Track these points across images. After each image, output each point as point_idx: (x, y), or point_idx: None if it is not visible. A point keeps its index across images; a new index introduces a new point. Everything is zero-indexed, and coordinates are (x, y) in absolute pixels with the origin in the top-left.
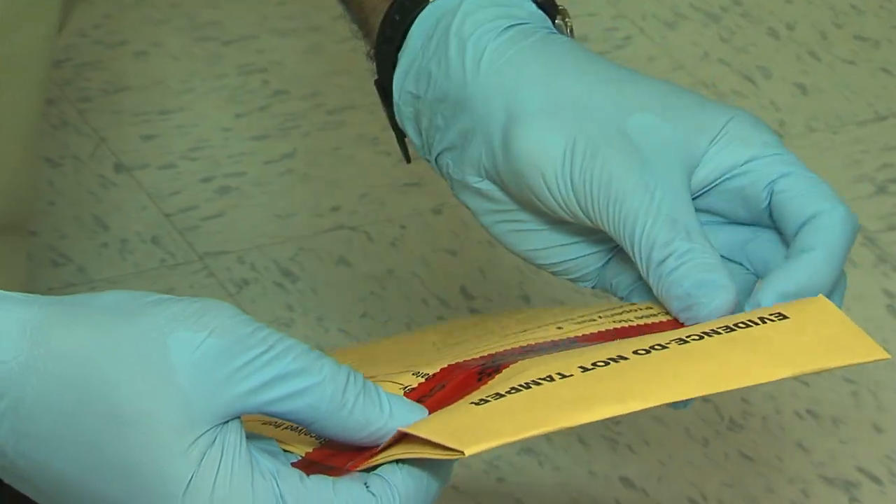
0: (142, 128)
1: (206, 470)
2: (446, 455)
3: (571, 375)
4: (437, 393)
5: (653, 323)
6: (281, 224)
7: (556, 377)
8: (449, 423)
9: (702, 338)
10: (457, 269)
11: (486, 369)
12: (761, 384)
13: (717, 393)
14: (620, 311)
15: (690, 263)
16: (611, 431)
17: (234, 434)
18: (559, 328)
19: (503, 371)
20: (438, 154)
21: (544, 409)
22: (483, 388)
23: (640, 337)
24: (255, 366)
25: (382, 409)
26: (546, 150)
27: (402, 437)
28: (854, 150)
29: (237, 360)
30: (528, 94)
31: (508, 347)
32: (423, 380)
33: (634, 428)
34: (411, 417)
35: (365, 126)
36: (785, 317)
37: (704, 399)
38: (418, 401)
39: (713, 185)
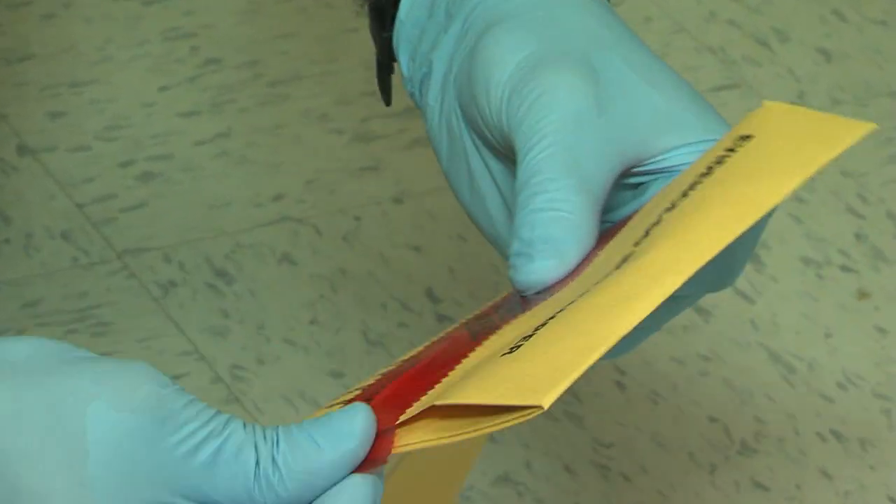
0: (49, 103)
1: None
2: (513, 420)
3: (588, 291)
4: (381, 391)
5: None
6: (214, 216)
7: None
8: (492, 379)
9: (693, 188)
10: (421, 267)
11: (477, 334)
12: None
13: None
14: None
15: (556, 214)
16: (601, 457)
17: None
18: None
19: (503, 327)
20: (424, 77)
21: (591, 325)
22: (489, 343)
23: (621, 233)
24: (183, 450)
25: (320, 449)
26: (503, 56)
27: (433, 413)
28: (887, 125)
29: (163, 444)
30: (520, 8)
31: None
32: (357, 392)
33: (629, 453)
34: (351, 429)
35: (312, 100)
36: (748, 136)
37: (712, 420)
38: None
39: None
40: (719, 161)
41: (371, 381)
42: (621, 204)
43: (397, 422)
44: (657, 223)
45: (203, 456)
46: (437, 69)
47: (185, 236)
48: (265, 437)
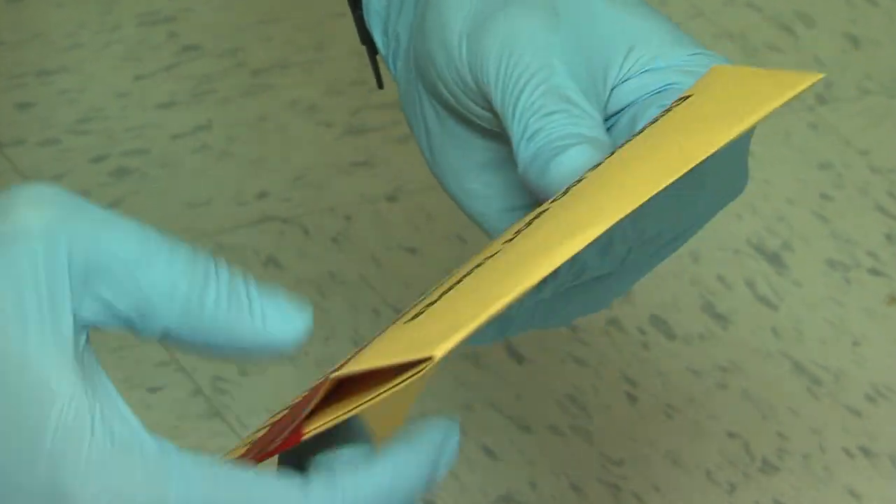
0: (16, 94)
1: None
2: (409, 378)
3: (498, 252)
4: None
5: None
6: (193, 215)
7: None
8: (391, 344)
9: (622, 147)
10: (416, 270)
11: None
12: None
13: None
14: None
15: (575, 119)
16: (611, 475)
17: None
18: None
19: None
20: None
21: (495, 282)
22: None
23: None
24: (88, 241)
25: (252, 314)
26: (459, 8)
27: (340, 386)
28: None
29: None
30: None
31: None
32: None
33: (642, 471)
34: (289, 325)
35: (299, 90)
36: (685, 98)
37: (731, 435)
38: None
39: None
40: (654, 122)
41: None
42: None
43: (302, 415)
44: (578, 181)
45: (103, 256)
46: (403, 40)
47: None
48: (218, 269)
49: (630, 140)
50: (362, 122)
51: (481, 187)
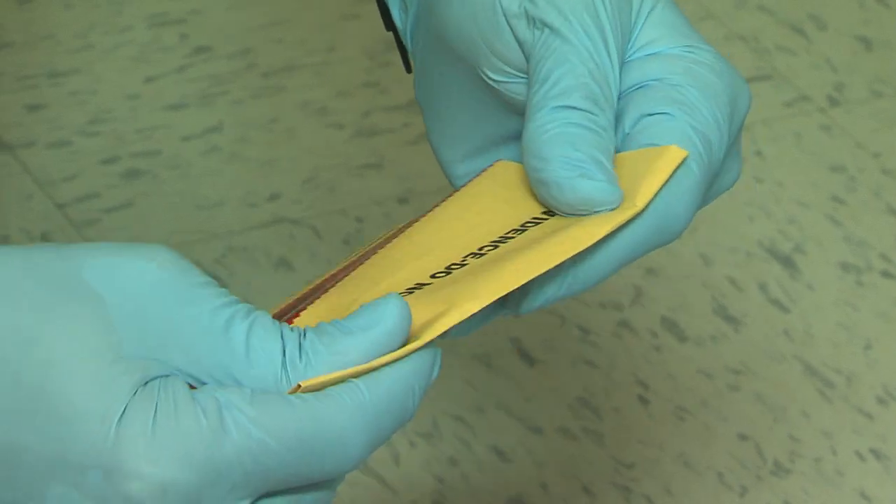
0: (27, 95)
1: (142, 399)
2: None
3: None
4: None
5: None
6: (204, 216)
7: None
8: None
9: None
10: None
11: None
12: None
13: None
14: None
15: (598, 137)
16: (623, 478)
17: (175, 381)
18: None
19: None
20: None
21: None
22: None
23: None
24: (215, 321)
25: (350, 333)
26: None
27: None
28: None
29: (192, 310)
30: None
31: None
32: None
33: (653, 473)
34: (387, 311)
35: (310, 92)
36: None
37: (742, 438)
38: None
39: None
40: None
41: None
42: None
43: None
44: (461, 266)
45: (236, 333)
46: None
47: (173, 239)
48: (291, 329)
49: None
50: (373, 124)
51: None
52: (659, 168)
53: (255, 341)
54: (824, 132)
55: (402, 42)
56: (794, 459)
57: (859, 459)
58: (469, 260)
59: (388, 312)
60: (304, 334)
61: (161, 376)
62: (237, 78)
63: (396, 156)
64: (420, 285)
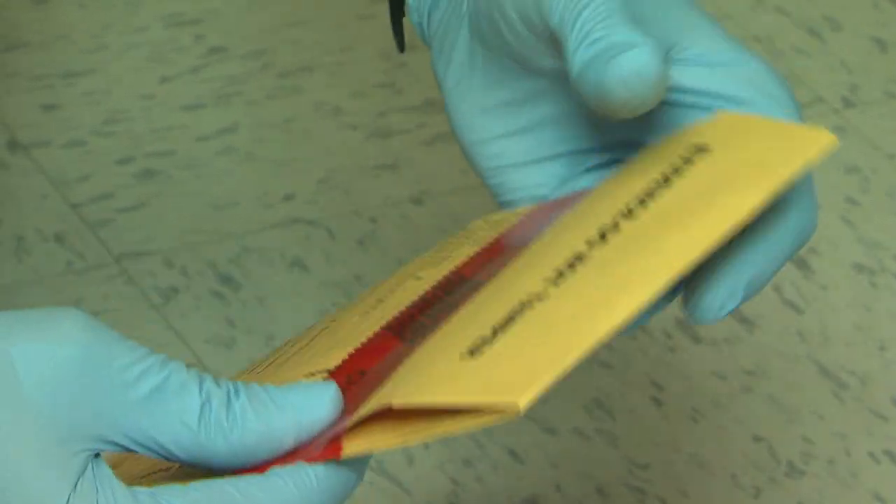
0: (41, 95)
1: (84, 490)
2: (483, 421)
3: (545, 292)
4: (356, 382)
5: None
6: (219, 217)
7: (533, 300)
8: (458, 380)
9: (652, 197)
10: None
11: (405, 334)
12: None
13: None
14: (461, 238)
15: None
16: (637, 479)
17: (104, 468)
18: (418, 279)
19: (443, 326)
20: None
21: (563, 329)
22: (431, 343)
23: (558, 231)
24: (120, 382)
25: (281, 408)
26: None
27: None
28: None
29: (100, 375)
30: None
31: (390, 318)
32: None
33: (667, 475)
34: (321, 399)
35: (325, 92)
36: (704, 148)
37: (756, 439)
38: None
39: None
40: (676, 171)
41: (338, 361)
42: None
43: (346, 425)
44: (615, 228)
45: (142, 390)
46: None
47: (188, 239)
48: (218, 383)
49: (660, 191)
50: (388, 125)
51: (500, 132)
52: (806, 147)
53: (164, 395)
54: (839, 133)
55: (400, 21)
56: (807, 461)
57: (873, 461)
58: (621, 221)
59: (327, 397)
60: (237, 393)
61: (93, 466)
62: (252, 78)
63: (411, 156)
64: (579, 258)
